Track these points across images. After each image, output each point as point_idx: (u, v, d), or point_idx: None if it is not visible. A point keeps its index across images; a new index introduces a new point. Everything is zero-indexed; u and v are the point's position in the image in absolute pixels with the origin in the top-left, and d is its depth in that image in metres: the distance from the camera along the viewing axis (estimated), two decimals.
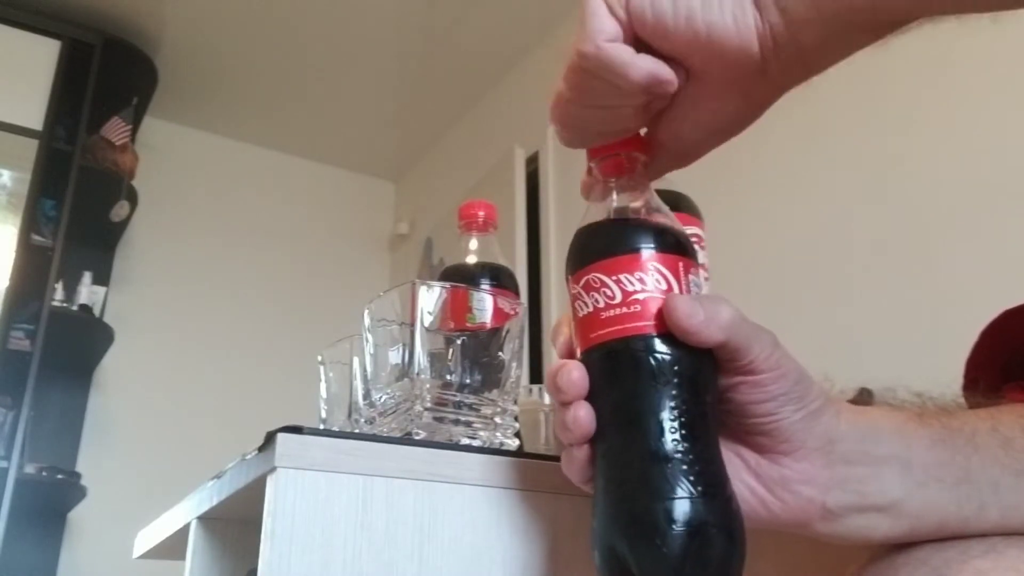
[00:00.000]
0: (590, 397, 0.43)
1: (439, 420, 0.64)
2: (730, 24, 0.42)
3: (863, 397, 0.88)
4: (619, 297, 0.43)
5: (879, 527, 0.44)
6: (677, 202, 0.74)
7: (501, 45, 3.04)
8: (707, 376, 0.43)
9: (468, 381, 0.66)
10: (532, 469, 0.59)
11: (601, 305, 0.44)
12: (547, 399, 0.92)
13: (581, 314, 0.45)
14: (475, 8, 2.90)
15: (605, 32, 0.42)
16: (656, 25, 0.42)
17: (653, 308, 0.43)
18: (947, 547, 0.43)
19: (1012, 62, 1.58)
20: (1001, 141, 1.57)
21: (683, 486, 0.40)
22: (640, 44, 0.43)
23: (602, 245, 0.45)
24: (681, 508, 0.40)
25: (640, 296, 0.43)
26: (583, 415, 0.43)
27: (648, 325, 0.43)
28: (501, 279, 0.87)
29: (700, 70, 0.44)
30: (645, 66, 0.43)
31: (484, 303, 0.70)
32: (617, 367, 0.43)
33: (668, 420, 0.41)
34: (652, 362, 0.42)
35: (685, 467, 0.41)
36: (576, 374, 0.43)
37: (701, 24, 0.42)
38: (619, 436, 0.43)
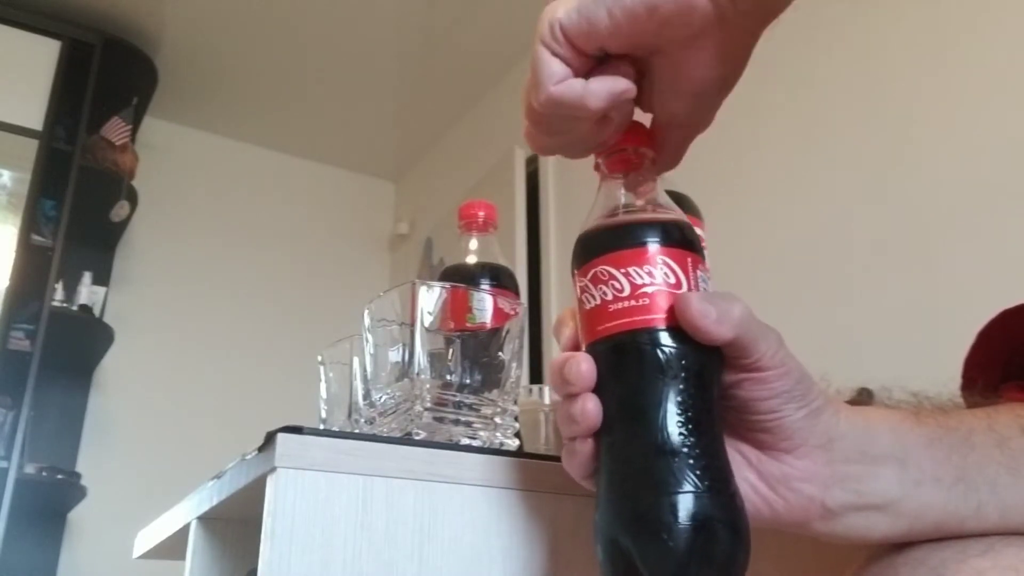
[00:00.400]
0: (595, 390, 0.43)
1: (439, 420, 0.64)
2: None
3: (862, 397, 0.88)
4: (628, 290, 0.43)
5: (878, 526, 0.44)
6: (677, 203, 0.74)
7: (501, 45, 3.04)
8: (714, 371, 0.43)
9: (468, 381, 0.66)
10: (532, 469, 0.59)
11: (609, 298, 0.44)
12: (547, 399, 0.92)
13: (588, 307, 0.45)
14: (475, 8, 2.90)
15: (553, 76, 0.44)
16: (596, 34, 0.43)
17: (662, 302, 0.43)
18: (945, 546, 0.43)
19: (1012, 62, 1.58)
20: (1001, 141, 1.57)
21: (690, 480, 0.40)
22: (597, 57, 0.44)
23: (611, 238, 0.45)
24: (688, 502, 0.40)
25: (649, 289, 0.43)
26: (591, 407, 0.43)
27: (657, 318, 0.43)
28: (501, 279, 0.87)
29: (659, 45, 0.45)
30: (599, 90, 0.44)
31: (484, 303, 0.70)
32: (625, 360, 0.43)
33: (675, 414, 0.41)
34: (660, 355, 0.42)
35: (692, 461, 0.41)
36: (585, 366, 0.43)
37: (636, 6, 0.42)
38: (625, 429, 0.42)
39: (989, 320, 0.63)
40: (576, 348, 0.46)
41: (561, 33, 0.43)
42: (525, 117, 0.47)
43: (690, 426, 0.41)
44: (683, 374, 0.42)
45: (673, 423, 0.41)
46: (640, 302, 0.43)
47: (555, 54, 0.44)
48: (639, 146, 0.48)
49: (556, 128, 0.46)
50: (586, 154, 0.49)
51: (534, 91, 0.44)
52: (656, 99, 0.48)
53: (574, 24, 0.43)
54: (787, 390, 0.43)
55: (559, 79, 0.44)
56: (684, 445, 0.41)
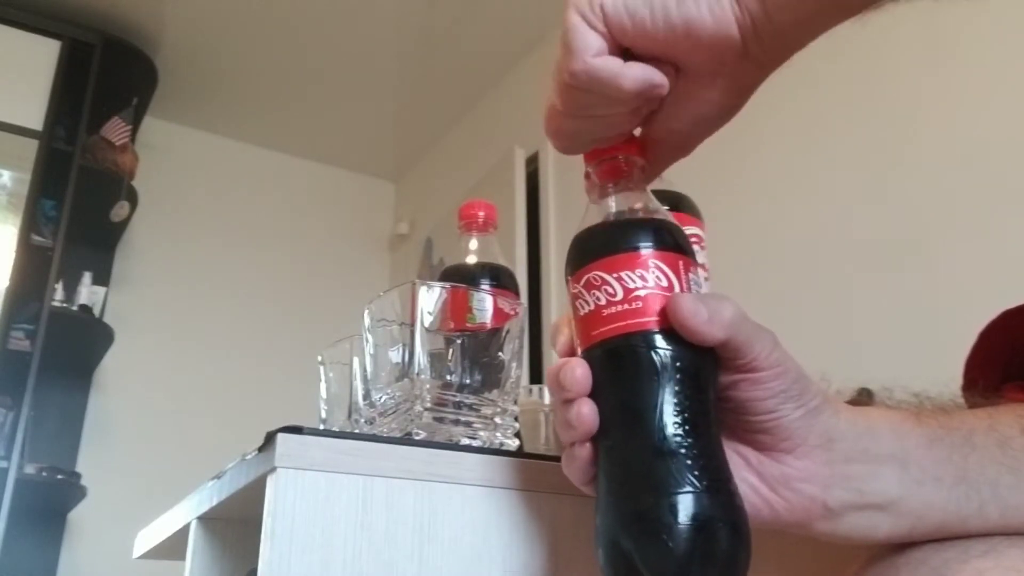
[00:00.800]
0: (592, 394, 0.44)
1: (439, 420, 0.64)
2: (706, 16, 0.43)
3: (863, 398, 0.88)
4: (621, 294, 0.44)
5: (880, 526, 0.44)
6: (677, 203, 0.74)
7: (501, 45, 3.04)
8: (709, 372, 0.43)
9: (468, 381, 0.66)
10: (532, 469, 0.59)
11: (603, 303, 0.44)
12: (547, 399, 0.92)
13: (582, 312, 0.45)
14: (475, 8, 2.90)
15: (591, 48, 0.43)
16: (635, 29, 0.43)
17: (655, 305, 0.43)
18: (947, 547, 0.43)
19: (1013, 62, 1.58)
20: (1001, 141, 1.57)
21: (688, 481, 0.40)
22: (623, 50, 0.45)
23: (603, 244, 0.45)
24: (687, 502, 0.40)
25: (642, 293, 0.43)
26: (587, 412, 0.43)
27: (650, 321, 0.43)
28: (501, 279, 0.87)
29: (684, 63, 0.45)
30: (636, 75, 0.44)
31: (484, 303, 0.70)
32: (620, 363, 0.43)
33: (671, 415, 0.42)
34: (655, 358, 0.42)
35: (690, 462, 0.41)
36: (579, 371, 0.43)
37: (678, 21, 0.43)
38: (622, 432, 0.43)
39: (990, 320, 0.63)
40: (572, 354, 0.46)
41: (600, 11, 0.43)
42: (555, 94, 0.46)
43: (687, 427, 0.41)
44: (678, 376, 0.42)
45: (670, 424, 0.41)
46: (633, 306, 0.43)
47: (593, 27, 0.43)
48: (630, 154, 0.49)
49: (586, 107, 0.46)
50: (589, 149, 0.49)
51: (568, 60, 0.44)
52: (661, 117, 0.48)
53: (619, 16, 0.43)
54: (784, 390, 0.43)
55: (596, 52, 0.43)
56: (682, 446, 0.41)
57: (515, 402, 0.69)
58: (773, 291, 1.88)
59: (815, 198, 1.91)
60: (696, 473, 0.40)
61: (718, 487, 0.41)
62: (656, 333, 0.43)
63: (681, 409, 0.42)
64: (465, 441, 0.64)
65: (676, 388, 0.42)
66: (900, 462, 0.44)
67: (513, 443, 0.67)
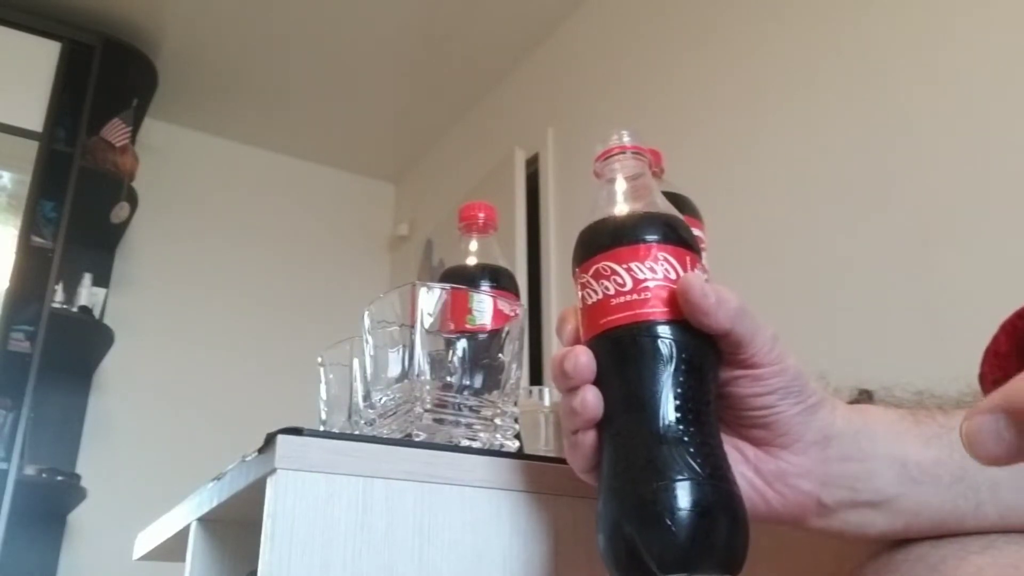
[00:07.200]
0: (597, 382, 0.44)
1: (439, 422, 0.64)
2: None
3: (862, 399, 0.88)
4: (630, 284, 0.44)
5: (875, 523, 0.44)
6: (678, 204, 0.74)
7: (501, 46, 3.04)
8: (711, 364, 0.44)
9: (468, 383, 0.66)
10: (532, 470, 0.59)
11: (611, 292, 0.45)
12: (547, 401, 0.92)
13: (590, 301, 0.46)
14: (475, 9, 2.90)
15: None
16: None
17: (663, 296, 0.44)
18: (945, 544, 0.43)
19: (1014, 62, 1.58)
20: (1002, 141, 1.57)
21: (691, 467, 0.41)
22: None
23: (614, 235, 0.46)
24: (690, 489, 0.40)
25: (650, 284, 0.44)
26: (591, 398, 0.43)
27: (658, 312, 0.44)
28: (501, 281, 0.87)
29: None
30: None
31: (484, 305, 0.70)
32: (627, 351, 0.44)
33: (676, 404, 0.42)
34: (662, 347, 0.43)
35: (693, 450, 0.41)
36: (584, 358, 0.44)
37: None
38: (627, 420, 0.43)
39: (1015, 311, 0.62)
40: (577, 343, 0.46)
41: None
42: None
43: (690, 416, 0.42)
44: (683, 366, 0.43)
45: (674, 412, 0.42)
46: (642, 296, 0.44)
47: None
48: (637, 149, 0.49)
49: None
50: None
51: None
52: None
53: None
54: (783, 386, 0.43)
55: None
56: (685, 434, 0.42)
57: (515, 403, 0.69)
58: (773, 290, 1.88)
59: (816, 197, 1.91)
60: (699, 461, 0.41)
61: (719, 475, 0.42)
62: (664, 323, 0.44)
63: (685, 399, 0.42)
64: (465, 442, 0.64)
65: (681, 378, 0.43)
66: (897, 461, 0.44)
67: (513, 444, 0.67)
